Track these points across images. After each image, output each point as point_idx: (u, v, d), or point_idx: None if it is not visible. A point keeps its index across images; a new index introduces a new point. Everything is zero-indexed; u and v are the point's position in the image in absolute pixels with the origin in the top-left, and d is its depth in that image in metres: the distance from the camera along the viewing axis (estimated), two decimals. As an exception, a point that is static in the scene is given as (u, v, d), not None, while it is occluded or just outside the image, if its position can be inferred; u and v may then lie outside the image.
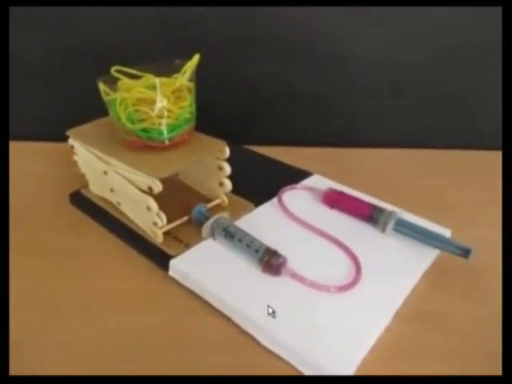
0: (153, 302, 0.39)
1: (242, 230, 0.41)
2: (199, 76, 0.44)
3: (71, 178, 0.53)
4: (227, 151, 0.44)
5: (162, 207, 0.42)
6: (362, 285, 0.38)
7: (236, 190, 0.50)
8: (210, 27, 0.59)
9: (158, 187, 0.40)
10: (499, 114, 0.61)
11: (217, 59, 0.61)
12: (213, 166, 0.46)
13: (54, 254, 0.44)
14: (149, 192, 0.40)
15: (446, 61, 0.61)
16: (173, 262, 0.40)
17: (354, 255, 0.41)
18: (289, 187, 0.49)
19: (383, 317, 0.36)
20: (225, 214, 0.43)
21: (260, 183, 0.52)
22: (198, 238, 0.42)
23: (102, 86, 0.43)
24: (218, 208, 0.47)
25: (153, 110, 0.41)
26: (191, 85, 0.44)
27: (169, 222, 0.43)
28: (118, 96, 0.42)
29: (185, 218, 0.45)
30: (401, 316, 0.37)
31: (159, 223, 0.41)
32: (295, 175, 0.53)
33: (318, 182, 0.51)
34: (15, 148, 0.65)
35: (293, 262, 0.39)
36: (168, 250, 0.41)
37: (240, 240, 0.40)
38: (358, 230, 0.45)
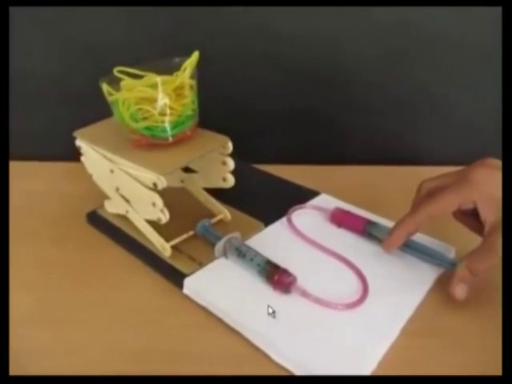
0: (167, 317, 0.40)
1: (254, 250, 0.42)
2: (205, 94, 0.46)
3: (87, 197, 0.55)
4: (230, 146, 0.46)
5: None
6: (369, 302, 0.40)
7: (246, 209, 0.52)
8: (213, 46, 0.61)
9: (162, 183, 0.41)
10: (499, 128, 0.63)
11: (223, 79, 0.64)
12: (216, 162, 0.47)
13: (70, 270, 0.46)
14: (154, 188, 0.42)
15: (451, 80, 0.63)
16: (187, 281, 0.41)
17: (361, 273, 0.42)
18: (297, 207, 0.51)
19: (390, 333, 0.38)
20: (236, 234, 0.44)
21: (269, 202, 0.54)
22: (211, 256, 0.44)
23: (105, 87, 0.44)
24: (222, 224, 0.49)
25: (155, 108, 0.42)
26: (192, 82, 0.45)
27: (175, 236, 0.45)
28: (121, 96, 0.43)
29: (191, 233, 0.47)
30: (407, 332, 0.38)
31: (163, 219, 0.43)
32: (303, 194, 0.54)
33: (326, 201, 0.53)
34: (31, 167, 0.68)
35: (302, 280, 0.40)
36: (182, 269, 0.43)
37: (251, 259, 0.41)
38: (364, 248, 0.46)
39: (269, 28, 0.61)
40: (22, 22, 0.62)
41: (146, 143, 0.44)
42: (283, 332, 0.37)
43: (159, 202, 0.42)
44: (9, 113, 0.69)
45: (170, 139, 0.44)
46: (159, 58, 0.44)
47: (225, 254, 0.43)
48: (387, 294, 0.41)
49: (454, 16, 0.59)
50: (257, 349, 0.37)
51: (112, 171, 0.46)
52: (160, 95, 0.42)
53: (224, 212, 0.50)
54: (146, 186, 0.43)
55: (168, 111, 0.43)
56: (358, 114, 0.66)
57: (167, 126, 0.43)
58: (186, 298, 0.41)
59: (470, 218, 0.41)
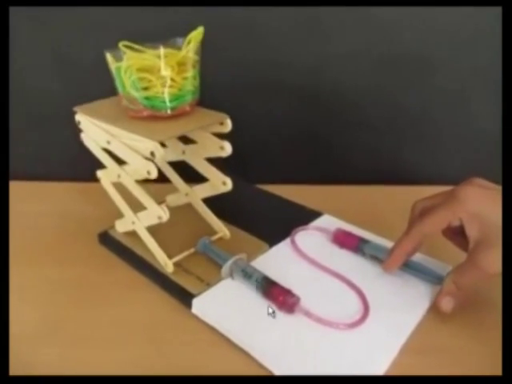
0: (176, 335, 0.42)
1: (259, 271, 0.44)
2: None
3: (98, 217, 0.57)
4: (229, 123, 0.47)
5: (168, 239, 0.48)
6: (370, 321, 0.41)
7: (250, 229, 0.54)
8: (216, 70, 0.63)
9: (159, 152, 0.42)
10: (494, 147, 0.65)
11: (227, 101, 0.66)
12: (214, 147, 0.49)
13: (82, 288, 0.48)
14: (151, 159, 0.43)
15: (447, 101, 0.66)
16: (196, 301, 0.43)
17: (362, 293, 0.44)
18: (300, 228, 0.53)
19: (390, 351, 0.39)
20: (243, 256, 0.46)
21: (273, 222, 0.56)
22: (218, 276, 0.46)
23: (108, 57, 0.45)
24: (228, 243, 0.52)
25: (156, 78, 0.43)
26: (196, 58, 0.45)
27: (177, 253, 0.48)
28: (124, 63, 0.43)
29: (192, 250, 0.49)
30: (407, 350, 0.40)
31: (164, 217, 0.45)
32: (306, 215, 0.56)
33: (328, 222, 0.55)
34: (43, 188, 0.70)
35: (305, 300, 0.42)
36: (191, 289, 0.45)
37: (257, 280, 0.43)
38: (365, 268, 0.48)
39: (270, 56, 0.63)
40: (34, 44, 0.65)
41: (145, 115, 0.45)
42: (287, 351, 0.39)
43: (154, 170, 0.43)
44: (22, 134, 0.72)
45: (169, 112, 0.45)
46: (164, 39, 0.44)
47: (231, 274, 0.45)
48: (388, 312, 0.42)
49: (448, 38, 0.61)
50: (263, 367, 0.38)
51: (109, 142, 0.47)
52: (162, 65, 0.43)
53: (223, 230, 0.53)
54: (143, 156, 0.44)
55: (169, 83, 0.43)
56: (358, 135, 0.68)
57: (167, 97, 0.44)
58: (195, 316, 0.43)
59: (459, 235, 0.43)
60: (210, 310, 0.43)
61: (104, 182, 0.52)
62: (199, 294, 0.44)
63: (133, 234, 0.51)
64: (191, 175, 0.54)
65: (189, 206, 0.56)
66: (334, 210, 0.58)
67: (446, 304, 0.42)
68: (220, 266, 0.47)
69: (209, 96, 0.48)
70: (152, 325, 0.43)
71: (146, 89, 0.44)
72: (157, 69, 0.43)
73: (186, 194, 0.55)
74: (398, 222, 0.47)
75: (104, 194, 0.52)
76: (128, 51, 0.43)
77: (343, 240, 0.51)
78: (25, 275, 0.50)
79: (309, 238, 0.52)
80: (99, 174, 0.52)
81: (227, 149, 0.48)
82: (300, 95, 0.66)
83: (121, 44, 0.43)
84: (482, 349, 0.40)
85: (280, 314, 0.42)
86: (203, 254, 0.49)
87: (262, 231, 0.53)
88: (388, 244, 0.48)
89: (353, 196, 0.65)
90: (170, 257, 0.48)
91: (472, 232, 0.40)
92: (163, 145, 0.52)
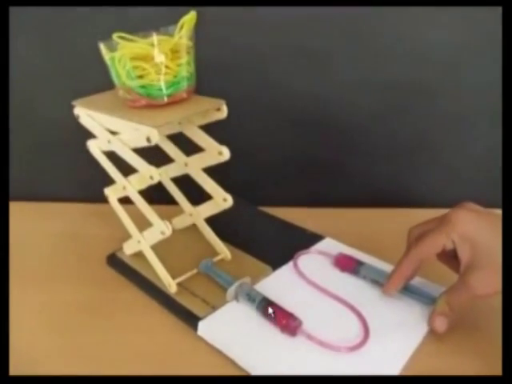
0: (182, 357, 0.43)
1: (262, 295, 0.46)
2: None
3: (107, 239, 0.59)
4: (225, 109, 0.48)
5: (172, 259, 0.50)
6: (371, 344, 0.43)
7: (254, 252, 0.56)
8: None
9: (155, 137, 0.43)
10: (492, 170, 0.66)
11: (231, 125, 0.68)
12: (213, 153, 0.50)
13: (89, 310, 0.50)
14: (147, 143, 0.44)
15: (447, 126, 0.68)
16: (201, 324, 0.45)
17: (363, 316, 0.46)
18: (303, 252, 0.55)
19: (390, 374, 0.40)
20: (247, 279, 0.48)
21: (275, 245, 0.58)
22: (223, 298, 0.48)
23: (102, 47, 0.45)
24: (232, 265, 0.53)
25: (151, 66, 0.43)
26: (189, 44, 0.45)
27: (180, 274, 0.50)
28: (117, 53, 0.44)
29: (194, 271, 0.51)
30: (407, 373, 0.41)
31: (166, 232, 0.47)
32: (308, 238, 0.58)
33: (330, 245, 0.56)
34: (53, 209, 0.72)
35: (307, 324, 0.44)
36: (197, 312, 0.46)
37: (261, 304, 0.45)
38: (365, 291, 0.49)
39: (272, 84, 0.66)
40: (47, 72, 0.68)
41: (143, 104, 0.45)
42: (291, 373, 0.40)
43: (156, 175, 0.44)
44: (34, 156, 0.74)
45: (166, 99, 0.45)
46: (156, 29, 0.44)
47: (236, 297, 0.47)
48: (388, 335, 0.44)
49: (444, 64, 0.63)
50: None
51: (109, 141, 0.48)
52: (156, 52, 0.42)
53: (225, 252, 0.55)
54: (142, 147, 0.45)
55: (164, 70, 0.43)
56: (358, 159, 0.70)
57: (162, 84, 0.44)
58: (200, 338, 0.44)
59: (452, 259, 0.45)
60: (215, 332, 0.44)
61: (111, 199, 0.53)
62: (205, 316, 0.46)
63: (140, 257, 0.53)
64: (194, 196, 0.55)
65: (193, 227, 0.58)
66: (335, 232, 0.59)
67: (440, 324, 0.43)
68: (223, 288, 0.48)
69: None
70: (158, 346, 0.45)
71: (141, 77, 0.44)
72: (150, 56, 0.43)
73: (191, 215, 0.57)
74: (399, 245, 0.48)
75: (112, 215, 0.54)
76: (121, 41, 0.43)
77: (344, 264, 0.52)
78: (33, 296, 0.52)
79: (311, 261, 0.54)
80: (107, 191, 0.53)
81: (225, 153, 0.49)
82: (301, 121, 0.68)
83: (114, 35, 0.43)
84: (482, 369, 0.41)
85: (283, 337, 0.43)
86: (206, 275, 0.51)
87: (266, 254, 0.55)
88: (388, 267, 0.49)
89: (354, 219, 0.67)
90: (173, 277, 0.50)
91: (463, 254, 0.42)
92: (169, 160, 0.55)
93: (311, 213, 0.67)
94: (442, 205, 0.67)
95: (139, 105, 0.46)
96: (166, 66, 0.43)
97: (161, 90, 0.44)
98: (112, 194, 0.53)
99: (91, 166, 0.59)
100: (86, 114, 0.50)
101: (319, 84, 0.66)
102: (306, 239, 0.58)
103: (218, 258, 0.54)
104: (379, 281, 0.49)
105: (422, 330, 0.45)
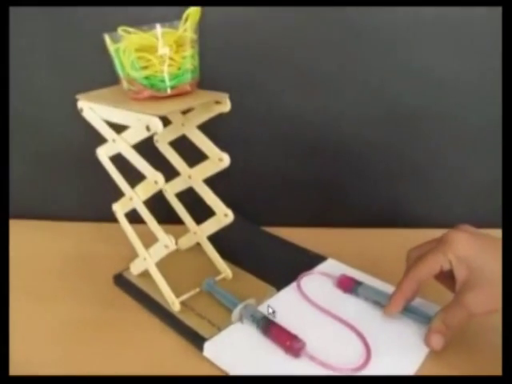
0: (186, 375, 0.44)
1: (267, 316, 0.47)
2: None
3: (115, 258, 0.60)
4: (228, 103, 0.49)
5: (175, 278, 0.51)
6: (373, 365, 0.44)
7: (258, 272, 0.57)
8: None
9: (155, 126, 0.43)
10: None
11: (235, 149, 0.70)
12: (214, 159, 0.51)
13: (96, 328, 0.51)
14: (147, 132, 0.44)
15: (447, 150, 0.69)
16: (207, 344, 0.46)
17: (364, 338, 0.47)
18: (306, 273, 0.56)
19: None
20: (251, 301, 0.49)
21: (280, 266, 0.59)
22: (228, 320, 0.49)
23: (107, 39, 0.45)
24: (230, 283, 0.55)
25: (155, 57, 0.43)
26: (194, 38, 0.46)
27: (183, 292, 0.52)
28: (122, 44, 0.44)
29: (197, 289, 0.53)
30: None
31: (170, 245, 0.48)
32: (311, 259, 0.59)
33: (332, 266, 0.58)
34: (59, 228, 0.73)
35: (310, 345, 0.45)
36: (203, 333, 0.47)
37: (264, 325, 0.46)
38: (367, 312, 0.50)
39: (278, 111, 0.68)
40: (59, 85, 0.69)
41: (146, 96, 0.46)
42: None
43: (161, 179, 0.45)
44: (41, 174, 0.76)
45: (169, 91, 0.45)
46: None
47: (241, 319, 0.48)
48: (390, 356, 0.45)
49: (447, 91, 0.65)
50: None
51: (114, 140, 0.48)
52: (160, 44, 0.43)
53: (226, 271, 0.56)
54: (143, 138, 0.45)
55: (168, 61, 0.44)
56: (359, 181, 0.72)
57: (166, 76, 0.44)
58: (206, 359, 0.45)
59: (449, 279, 0.46)
60: (220, 353, 0.45)
61: (119, 215, 0.55)
62: (210, 337, 0.47)
63: (147, 277, 0.54)
64: (198, 212, 0.57)
65: (197, 246, 0.60)
66: (337, 252, 0.60)
67: (437, 342, 0.44)
68: (227, 308, 0.50)
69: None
70: (164, 366, 0.46)
71: (145, 68, 0.44)
72: (155, 48, 0.43)
73: (195, 233, 0.59)
74: (401, 265, 0.49)
75: (120, 235, 0.55)
76: (125, 34, 0.44)
77: (346, 285, 0.53)
78: (40, 314, 0.53)
79: (314, 282, 0.55)
80: (114, 207, 0.55)
81: (225, 160, 0.50)
82: (305, 144, 0.69)
83: (119, 29, 0.44)
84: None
85: (287, 358, 0.44)
86: (209, 294, 0.53)
87: (270, 274, 0.56)
88: (389, 287, 0.50)
89: (356, 239, 0.68)
90: (177, 296, 0.51)
91: (459, 274, 0.43)
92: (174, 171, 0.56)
93: (313, 233, 0.68)
94: (442, 225, 0.69)
95: (142, 97, 0.46)
96: (170, 58, 0.44)
97: (164, 81, 0.45)
98: (120, 209, 0.54)
99: (99, 185, 0.60)
100: (88, 108, 0.50)
101: (321, 108, 0.67)
102: (309, 260, 0.59)
103: (220, 276, 0.56)
104: (380, 302, 0.50)
105: (423, 350, 0.46)
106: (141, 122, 0.44)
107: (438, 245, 0.45)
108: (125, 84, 0.47)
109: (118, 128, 0.49)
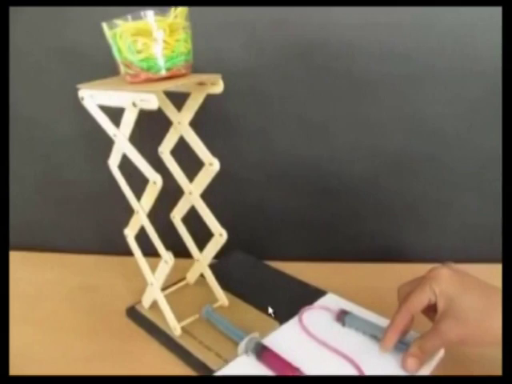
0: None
1: (270, 350, 0.51)
2: (220, 199, 0.56)
3: (127, 291, 0.64)
4: (221, 83, 0.52)
5: (178, 307, 0.56)
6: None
7: (261, 307, 0.60)
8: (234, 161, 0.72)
9: (154, 101, 0.46)
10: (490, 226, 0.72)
11: (237, 186, 0.75)
12: (206, 164, 0.55)
13: (108, 360, 0.54)
14: (134, 107, 0.47)
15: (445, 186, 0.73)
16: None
17: (362, 371, 0.50)
18: (307, 308, 0.60)
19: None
20: (256, 334, 0.53)
21: (282, 300, 0.62)
22: (233, 352, 0.52)
23: (104, 26, 0.48)
24: (236, 317, 0.58)
25: (150, 40, 0.46)
26: (185, 24, 0.49)
27: (183, 318, 0.57)
28: (119, 29, 0.47)
29: (196, 316, 0.58)
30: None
31: (169, 262, 0.52)
32: (311, 293, 0.63)
33: (332, 301, 0.61)
34: (73, 260, 0.77)
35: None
36: (211, 365, 0.51)
37: (267, 358, 0.50)
38: (365, 346, 0.54)
39: (281, 149, 0.73)
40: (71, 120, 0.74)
41: (143, 78, 0.48)
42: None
43: (159, 180, 0.49)
44: (55, 208, 0.80)
45: (164, 72, 0.48)
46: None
47: (246, 351, 0.52)
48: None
49: (440, 136, 0.70)
50: None
51: (115, 135, 0.51)
52: (154, 27, 0.46)
53: (223, 299, 0.61)
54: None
55: (162, 44, 0.47)
56: (356, 217, 0.76)
57: (161, 58, 0.47)
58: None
59: (432, 312, 0.50)
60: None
61: (130, 239, 0.59)
62: (218, 369, 0.50)
63: (158, 309, 0.57)
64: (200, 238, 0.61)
65: (202, 278, 0.64)
66: (336, 286, 0.64)
67: (411, 364, 0.48)
68: (226, 335, 0.54)
69: (221, 182, 0.56)
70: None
71: (141, 51, 0.47)
72: (150, 32, 0.47)
73: (197, 260, 0.63)
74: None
75: (133, 267, 0.59)
76: (121, 22, 0.47)
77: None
78: (53, 346, 0.57)
79: (315, 316, 0.58)
80: (126, 231, 0.59)
81: (215, 165, 0.55)
82: (305, 184, 0.74)
83: (115, 20, 0.47)
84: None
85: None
86: (207, 320, 0.58)
87: (272, 308, 0.59)
88: (383, 320, 0.54)
89: (354, 273, 0.72)
90: (180, 321, 0.56)
91: (440, 305, 0.48)
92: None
93: (312, 267, 0.72)
94: (434, 260, 0.72)
95: (139, 80, 0.49)
96: (164, 41, 0.47)
97: (160, 63, 0.48)
98: (130, 233, 0.59)
99: (111, 219, 0.64)
100: (89, 96, 0.52)
101: (318, 150, 0.72)
102: (310, 294, 0.63)
103: (218, 304, 0.61)
104: (377, 335, 0.54)
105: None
106: (136, 100, 0.47)
107: (425, 280, 0.50)
108: (122, 68, 0.50)
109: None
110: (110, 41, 0.49)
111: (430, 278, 0.49)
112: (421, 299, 0.49)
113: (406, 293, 0.51)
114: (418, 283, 0.51)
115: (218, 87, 0.53)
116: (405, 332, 0.51)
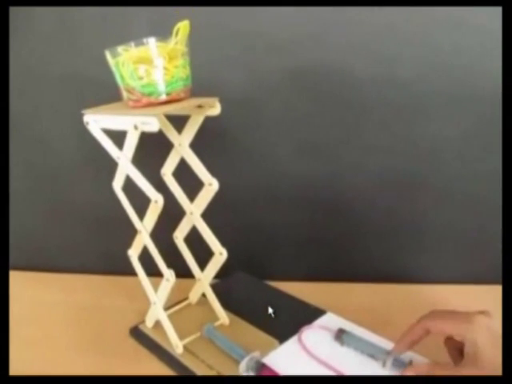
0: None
1: (271, 369, 0.52)
2: (223, 222, 0.57)
3: (131, 311, 0.66)
4: (218, 106, 0.55)
5: (178, 324, 0.57)
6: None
7: (262, 326, 0.62)
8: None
9: (155, 124, 0.48)
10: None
11: (239, 208, 0.77)
12: (206, 184, 0.57)
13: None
14: (135, 129, 0.50)
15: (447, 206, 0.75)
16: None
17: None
18: (306, 327, 0.61)
19: None
20: (256, 353, 0.54)
21: (282, 319, 0.63)
22: (235, 370, 0.53)
23: (107, 54, 0.51)
24: (237, 336, 0.59)
25: (151, 67, 0.49)
26: (184, 50, 0.51)
27: (185, 337, 0.58)
28: (121, 58, 0.50)
29: (198, 334, 0.59)
30: None
31: (170, 279, 0.54)
32: (311, 313, 0.64)
33: (331, 320, 0.62)
34: (76, 280, 0.78)
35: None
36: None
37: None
38: (363, 365, 0.55)
39: (283, 169, 0.75)
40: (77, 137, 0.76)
41: (144, 103, 0.51)
42: None
43: (161, 200, 0.51)
44: (59, 228, 0.81)
45: (164, 96, 0.51)
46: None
47: (247, 370, 0.53)
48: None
49: (439, 156, 0.71)
50: None
51: (118, 158, 0.54)
52: (155, 55, 0.49)
53: (223, 317, 0.62)
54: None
55: (162, 70, 0.50)
56: (356, 238, 0.77)
57: (162, 83, 0.50)
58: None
59: (454, 348, 0.51)
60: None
61: (133, 259, 0.61)
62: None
63: (161, 329, 0.59)
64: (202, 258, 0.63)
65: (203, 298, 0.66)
66: (336, 306, 0.65)
67: (410, 373, 0.51)
68: (232, 357, 0.55)
69: (222, 203, 0.58)
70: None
71: (142, 78, 0.50)
72: (150, 59, 0.50)
73: (199, 279, 0.65)
74: (390, 319, 0.54)
75: (136, 288, 0.60)
76: (124, 51, 0.50)
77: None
78: (57, 365, 0.58)
79: (314, 335, 0.60)
80: (130, 252, 0.61)
81: (214, 185, 0.57)
82: (306, 204, 0.76)
83: (119, 48, 0.50)
84: None
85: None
86: (209, 339, 0.59)
87: (273, 327, 0.61)
88: (379, 339, 0.56)
89: (353, 293, 0.73)
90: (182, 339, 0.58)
91: (469, 352, 0.48)
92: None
93: (312, 287, 0.74)
94: (442, 281, 0.74)
95: (141, 104, 0.52)
96: (164, 68, 0.50)
97: (160, 88, 0.51)
98: (134, 253, 0.60)
99: (115, 239, 0.66)
100: (93, 121, 0.54)
101: (322, 171, 0.74)
102: (309, 313, 0.64)
103: (218, 322, 0.62)
104: (374, 354, 0.55)
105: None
106: (137, 123, 0.50)
107: (462, 319, 0.49)
108: (125, 94, 0.52)
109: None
110: (113, 68, 0.52)
111: (470, 322, 0.48)
112: (448, 327, 0.50)
113: (436, 313, 0.52)
114: (452, 316, 0.51)
115: (216, 109, 0.55)
116: (417, 342, 0.53)
